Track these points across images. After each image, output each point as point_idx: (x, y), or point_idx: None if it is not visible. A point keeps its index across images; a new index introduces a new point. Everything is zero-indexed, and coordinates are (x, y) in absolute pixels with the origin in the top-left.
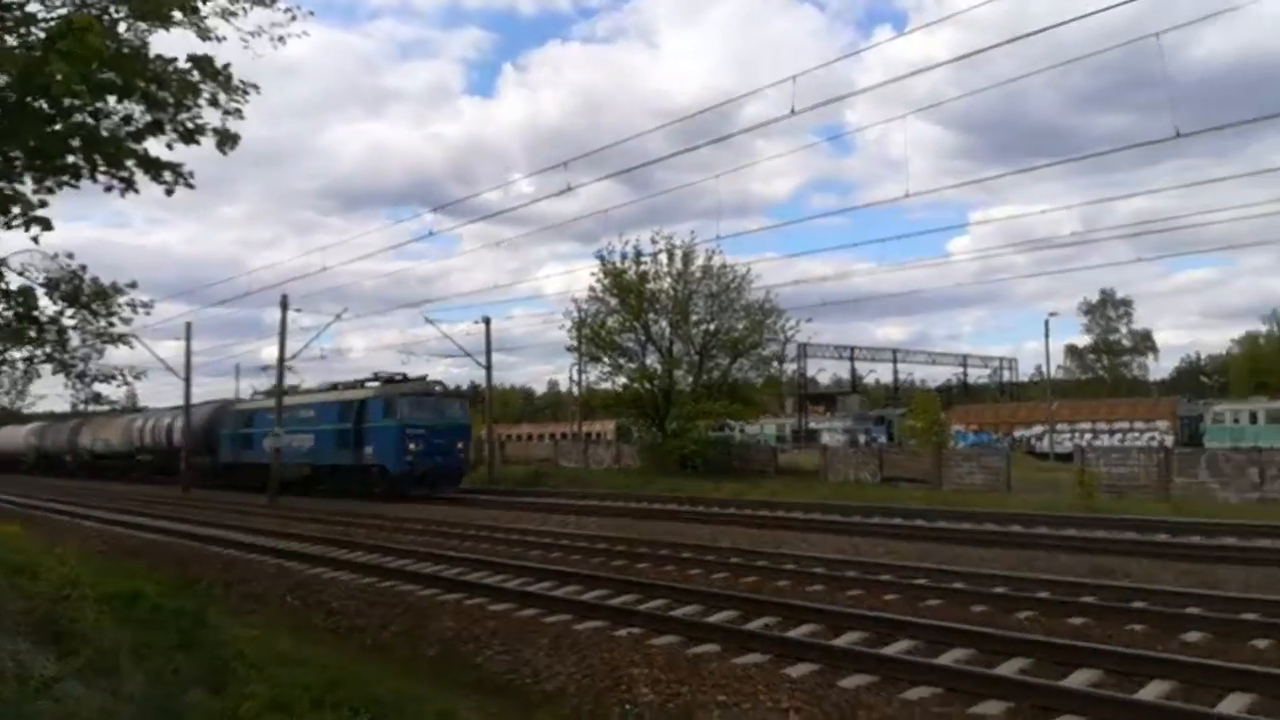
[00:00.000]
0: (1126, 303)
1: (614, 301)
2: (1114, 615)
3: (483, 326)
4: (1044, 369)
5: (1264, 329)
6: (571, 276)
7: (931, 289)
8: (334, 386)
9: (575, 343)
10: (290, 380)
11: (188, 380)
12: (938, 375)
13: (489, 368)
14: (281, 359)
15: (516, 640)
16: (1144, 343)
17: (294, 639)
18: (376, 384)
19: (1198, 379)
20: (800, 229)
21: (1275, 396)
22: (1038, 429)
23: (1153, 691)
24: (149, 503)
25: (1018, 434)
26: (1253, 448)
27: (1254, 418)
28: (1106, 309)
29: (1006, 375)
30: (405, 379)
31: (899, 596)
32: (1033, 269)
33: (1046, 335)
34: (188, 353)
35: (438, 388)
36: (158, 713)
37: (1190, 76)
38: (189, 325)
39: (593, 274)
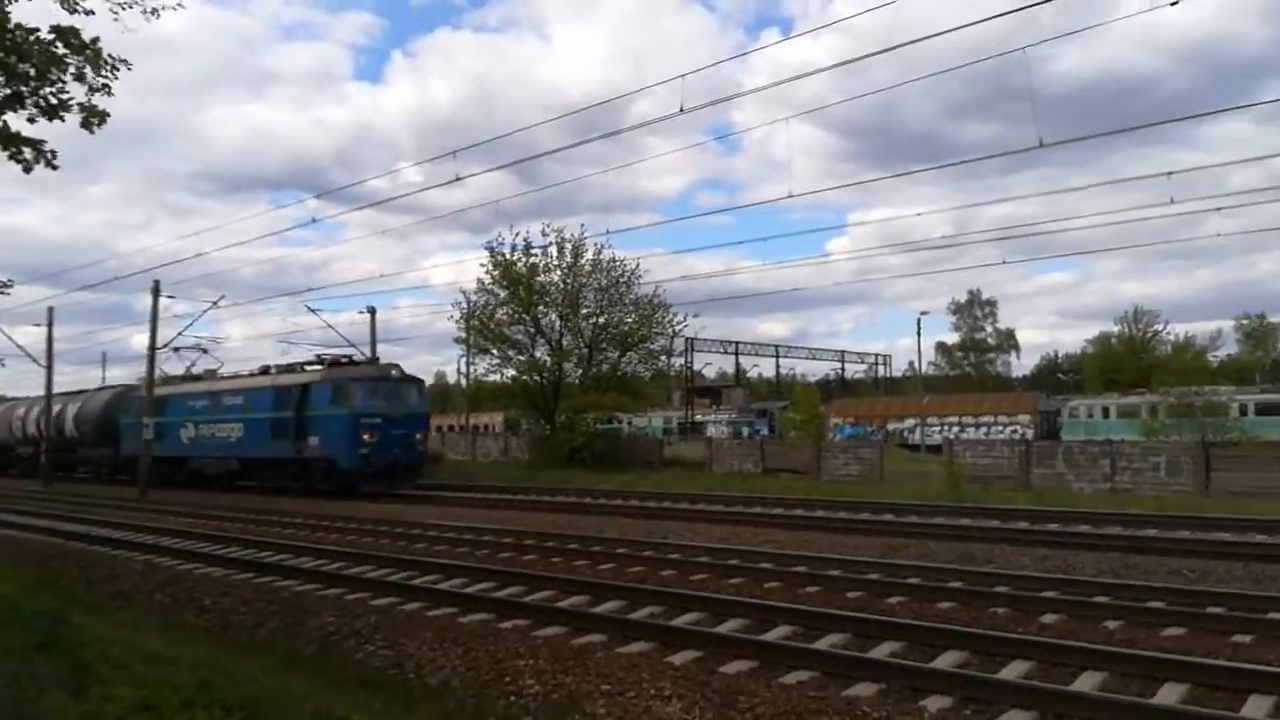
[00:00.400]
0: (992, 303)
1: (503, 293)
2: (979, 599)
3: (367, 316)
4: (916, 365)
5: (1116, 329)
6: (461, 267)
7: (812, 287)
8: (266, 370)
9: (463, 334)
10: (165, 369)
11: (49, 368)
12: (817, 370)
13: (374, 359)
14: (153, 347)
15: (399, 635)
16: (1008, 341)
17: (163, 638)
18: (320, 367)
19: (1056, 376)
20: (688, 226)
21: (1125, 393)
22: (910, 422)
23: (1013, 671)
24: (6, 498)
25: (891, 427)
26: (1105, 440)
27: (1106, 412)
28: (974, 308)
29: (882, 371)
30: (352, 361)
31: (780, 584)
32: (907, 269)
33: (919, 333)
34: (49, 339)
35: (394, 371)
36: (10, 719)
37: (1054, 89)
38: (51, 310)
39: (482, 265)
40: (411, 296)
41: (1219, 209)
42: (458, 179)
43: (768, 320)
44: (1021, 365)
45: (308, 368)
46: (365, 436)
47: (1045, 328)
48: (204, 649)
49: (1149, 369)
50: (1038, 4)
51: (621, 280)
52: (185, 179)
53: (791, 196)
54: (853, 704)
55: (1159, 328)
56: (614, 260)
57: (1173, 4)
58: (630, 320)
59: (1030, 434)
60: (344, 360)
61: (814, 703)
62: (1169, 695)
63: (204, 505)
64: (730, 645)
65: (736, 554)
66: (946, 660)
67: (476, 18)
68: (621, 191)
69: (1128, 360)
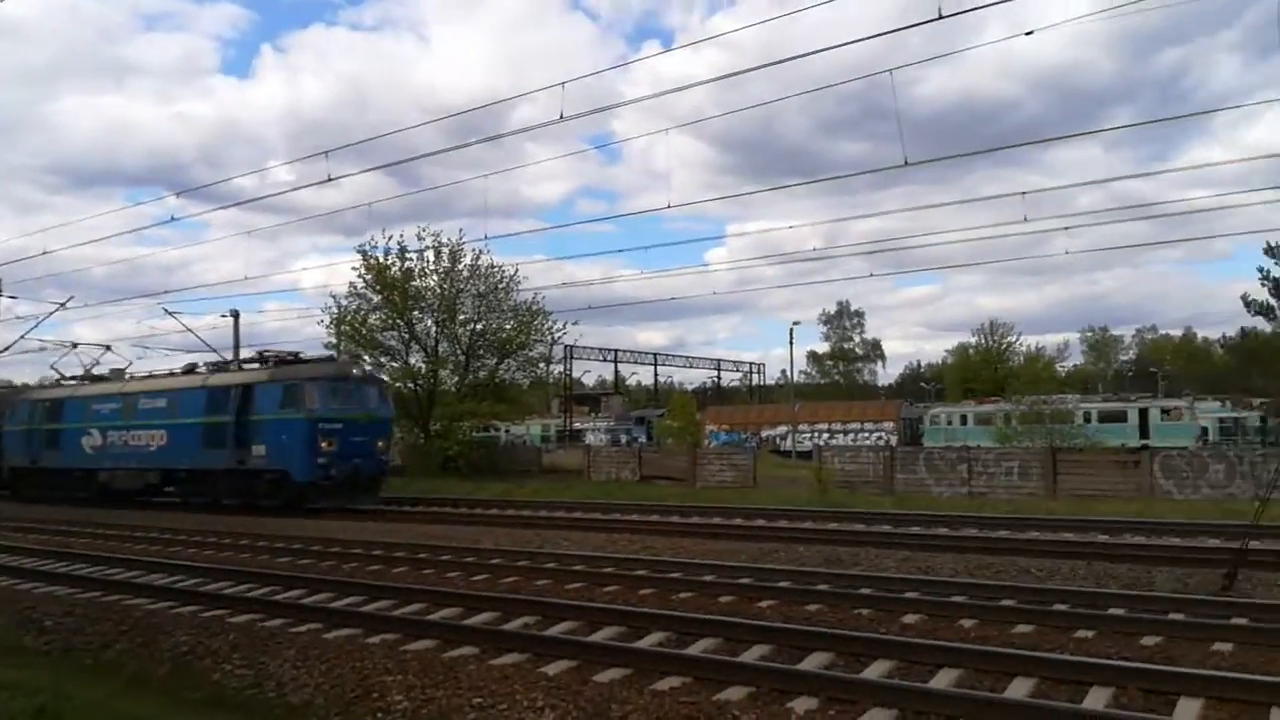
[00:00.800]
0: (860, 314)
1: (376, 298)
2: (845, 601)
3: (230, 320)
4: (788, 373)
5: (973, 340)
6: (333, 270)
7: (691, 296)
8: (192, 368)
9: (334, 339)
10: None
11: None
12: (695, 378)
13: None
14: None
15: (260, 652)
16: (874, 351)
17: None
18: (266, 364)
19: (919, 384)
20: (568, 233)
21: (982, 401)
22: (782, 429)
23: (876, 670)
24: None
25: (765, 434)
26: (963, 446)
27: (964, 420)
28: (843, 319)
29: (756, 379)
30: (299, 358)
31: (654, 591)
32: (781, 280)
33: (791, 342)
34: None
35: (354, 370)
36: None
37: (920, 111)
38: None
39: (354, 269)
40: (279, 300)
41: (1067, 228)
42: (330, 179)
43: (647, 328)
44: (887, 374)
45: (245, 365)
46: (323, 444)
47: (910, 338)
48: (44, 673)
49: (1004, 378)
50: (905, 28)
51: (500, 286)
52: (33, 172)
53: (670, 207)
54: (723, 708)
55: (1013, 339)
56: (493, 266)
57: (1028, 34)
58: (509, 327)
59: (894, 440)
60: (291, 357)
61: (685, 708)
62: (1019, 689)
63: (50, 520)
64: (604, 654)
65: (612, 562)
66: (814, 661)
67: (352, 15)
68: (502, 196)
69: (984, 370)
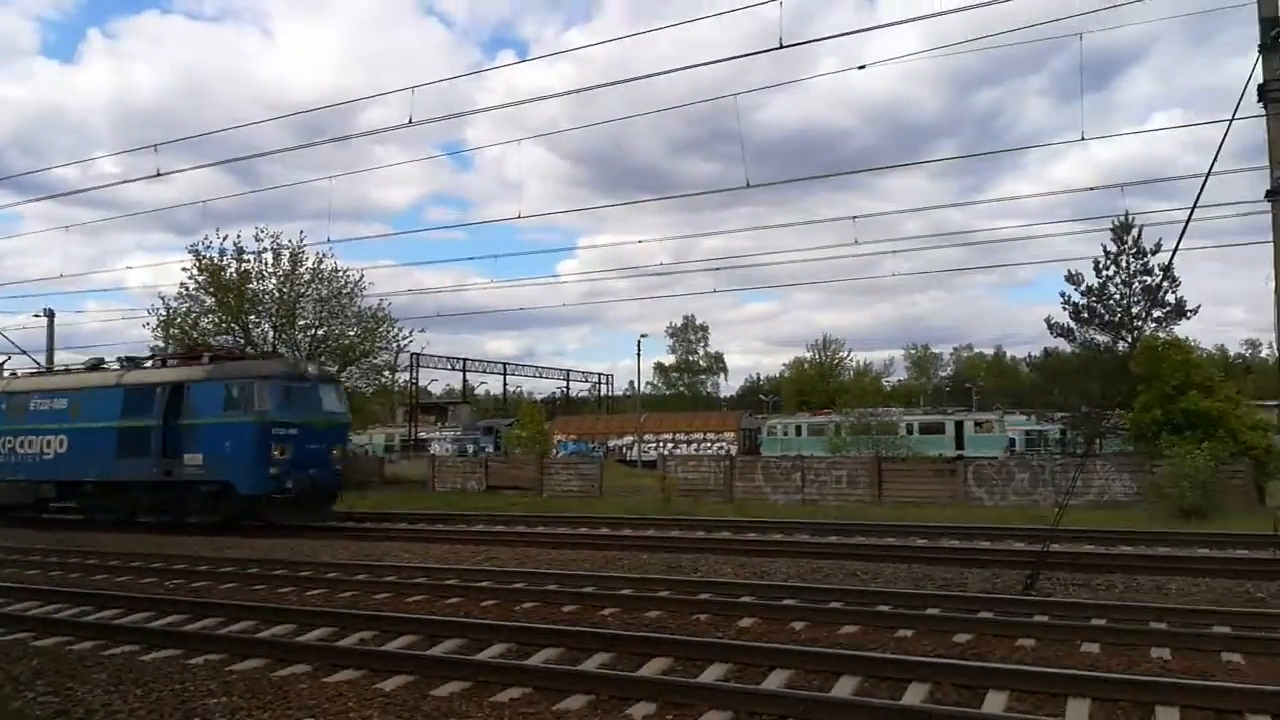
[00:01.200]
0: (704, 328)
1: (210, 300)
2: (684, 607)
3: (45, 320)
4: (635, 384)
5: (809, 355)
6: (162, 270)
7: (541, 306)
8: (98, 364)
9: (161, 343)
10: None
11: None
12: (544, 388)
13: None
14: None
15: (67, 678)
16: (717, 364)
17: None
18: (198, 360)
19: (759, 396)
20: (418, 240)
21: (815, 413)
22: (629, 439)
23: (712, 674)
24: None
25: (612, 443)
26: (797, 456)
27: (799, 430)
28: (688, 333)
29: (604, 389)
30: (236, 353)
31: (497, 602)
32: (631, 293)
33: (638, 354)
34: None
35: (310, 368)
36: None
37: (763, 135)
38: None
39: (185, 269)
40: (101, 299)
41: (895, 251)
42: (160, 174)
43: (497, 338)
44: (729, 386)
45: (170, 362)
46: (276, 452)
47: (751, 352)
48: None
49: (835, 391)
50: (747, 55)
51: (344, 291)
52: None
53: (521, 217)
54: (563, 717)
55: (844, 355)
56: (336, 270)
57: (860, 68)
58: (352, 333)
59: (734, 450)
60: (228, 352)
61: (525, 719)
62: (844, 688)
63: None
64: (443, 667)
65: (454, 573)
66: (653, 667)
67: (190, 4)
68: (348, 200)
69: (818, 383)
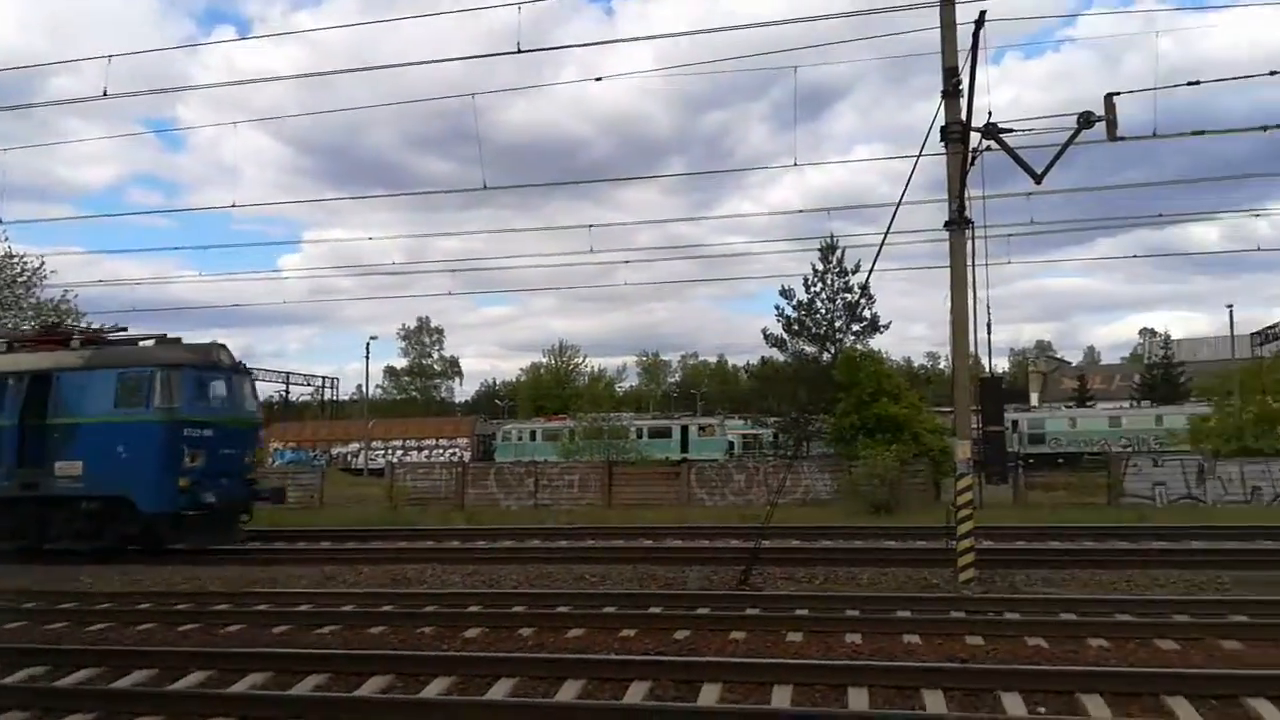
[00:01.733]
0: (440, 331)
1: None
2: (410, 620)
3: None
4: (364, 388)
5: (545, 360)
6: None
7: (259, 304)
8: None
9: None
10: None
11: None
12: (262, 391)
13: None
14: None
15: None
16: (452, 368)
17: None
18: (66, 344)
19: (495, 401)
20: (115, 224)
21: (550, 418)
22: (355, 446)
23: (434, 689)
24: None
25: (336, 451)
26: (530, 461)
27: (534, 435)
28: (423, 335)
29: (329, 393)
30: (106, 338)
31: (198, 626)
32: (361, 292)
33: (367, 357)
34: None
35: (223, 355)
36: None
37: (504, 138)
38: None
39: None
40: None
41: (628, 261)
42: None
43: (209, 336)
44: (464, 391)
45: (15, 345)
46: (189, 460)
47: (487, 356)
48: None
49: (570, 397)
50: (484, 56)
51: (19, 280)
52: None
53: (236, 206)
54: None
55: (580, 361)
56: (11, 255)
57: (597, 80)
58: (27, 327)
59: (468, 456)
60: (99, 333)
61: None
62: (568, 692)
63: None
64: (129, 701)
65: (147, 597)
66: (373, 685)
67: None
68: (27, 175)
69: (554, 388)
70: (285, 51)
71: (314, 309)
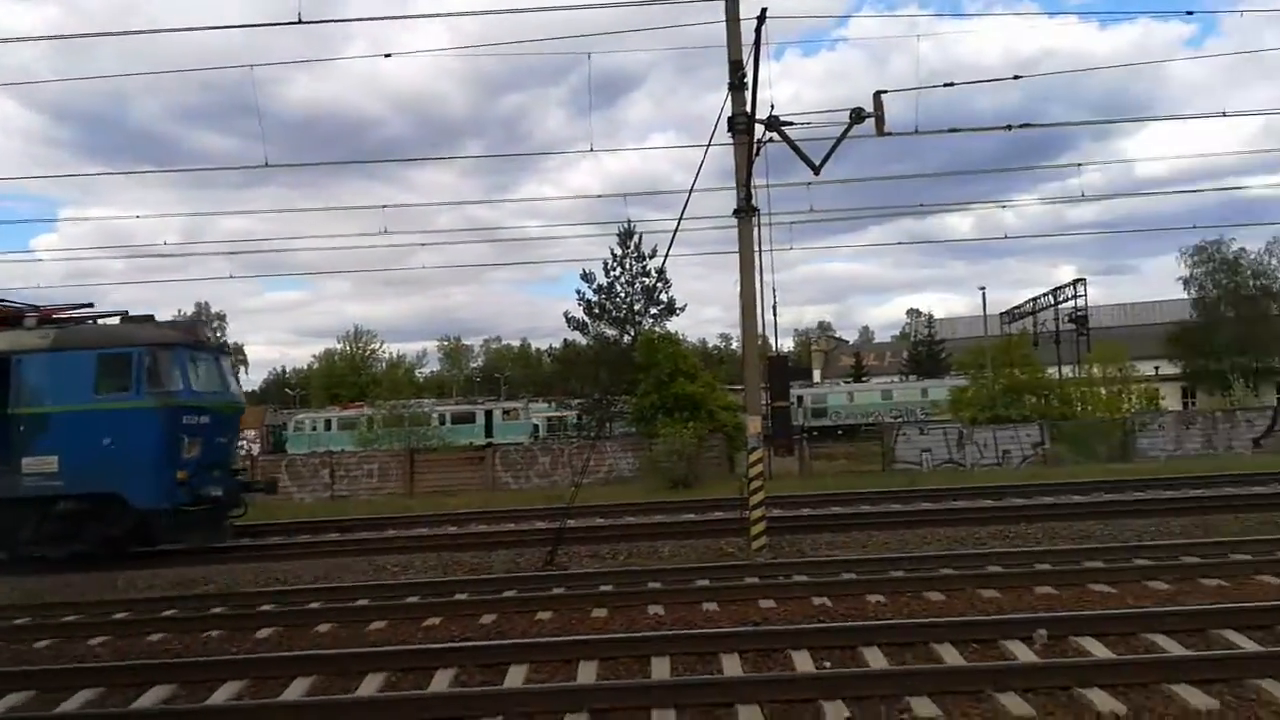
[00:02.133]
0: (221, 316)
1: None
2: (193, 625)
3: None
4: None
5: (339, 347)
6: None
7: (11, 287)
8: None
9: None
10: None
11: None
12: None
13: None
14: None
15: None
16: (237, 355)
17: None
18: (22, 323)
19: (285, 390)
20: None
21: (346, 406)
22: None
23: (223, 694)
24: None
25: None
26: (326, 452)
27: (329, 425)
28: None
29: None
30: (79, 315)
31: None
32: (130, 275)
33: None
34: None
35: (207, 334)
36: None
37: (288, 113)
38: None
39: None
40: None
41: (424, 244)
42: None
43: None
44: (251, 380)
45: None
46: (187, 449)
47: (276, 343)
48: None
49: (367, 384)
50: (261, 25)
51: None
52: None
53: None
54: None
55: (376, 346)
56: None
57: (387, 56)
58: None
59: (256, 449)
60: (73, 312)
61: None
62: (369, 686)
63: None
64: None
65: None
66: (152, 697)
67: None
68: None
69: (350, 376)
70: (42, 13)
71: (75, 294)
